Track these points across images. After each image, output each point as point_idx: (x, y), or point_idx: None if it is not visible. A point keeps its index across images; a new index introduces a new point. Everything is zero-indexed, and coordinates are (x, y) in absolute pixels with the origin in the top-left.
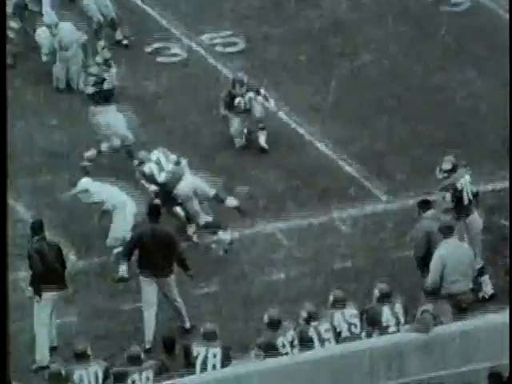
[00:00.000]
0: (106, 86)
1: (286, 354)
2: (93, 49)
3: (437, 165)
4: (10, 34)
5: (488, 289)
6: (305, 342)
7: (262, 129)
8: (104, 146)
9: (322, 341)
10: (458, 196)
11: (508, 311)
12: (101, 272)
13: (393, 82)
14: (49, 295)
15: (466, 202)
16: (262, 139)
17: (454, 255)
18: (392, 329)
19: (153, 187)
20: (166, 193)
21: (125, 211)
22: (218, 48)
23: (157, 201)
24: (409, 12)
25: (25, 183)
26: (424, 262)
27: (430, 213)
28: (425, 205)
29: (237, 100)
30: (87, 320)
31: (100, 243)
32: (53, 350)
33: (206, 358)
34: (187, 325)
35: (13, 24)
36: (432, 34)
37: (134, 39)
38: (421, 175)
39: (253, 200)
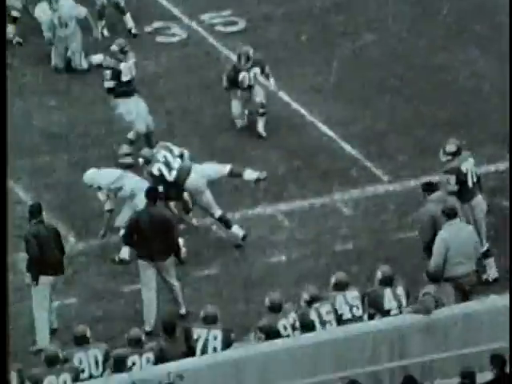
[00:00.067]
0: (123, 78)
1: (288, 336)
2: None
3: (439, 146)
4: (15, 13)
5: (492, 272)
6: (306, 325)
7: (262, 115)
8: (131, 135)
9: (323, 323)
10: (462, 179)
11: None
12: (101, 254)
13: (395, 61)
14: (45, 279)
15: (470, 185)
16: (261, 125)
17: (458, 238)
18: (394, 312)
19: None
20: (177, 188)
21: (141, 197)
22: (219, 28)
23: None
24: None
25: (23, 164)
26: (430, 246)
27: (435, 195)
28: (429, 187)
29: (241, 75)
30: (87, 302)
31: (99, 225)
32: (53, 332)
33: (206, 340)
34: (183, 310)
35: (16, 3)
36: (434, 13)
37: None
38: (423, 156)
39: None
